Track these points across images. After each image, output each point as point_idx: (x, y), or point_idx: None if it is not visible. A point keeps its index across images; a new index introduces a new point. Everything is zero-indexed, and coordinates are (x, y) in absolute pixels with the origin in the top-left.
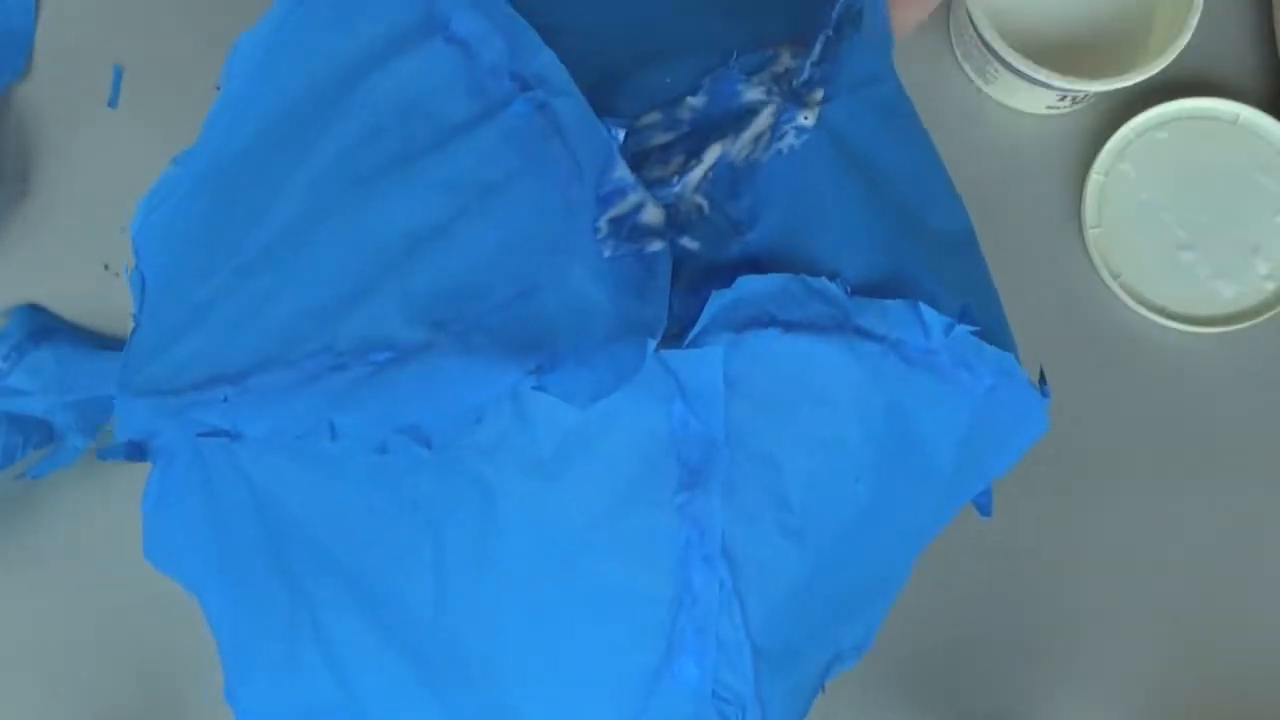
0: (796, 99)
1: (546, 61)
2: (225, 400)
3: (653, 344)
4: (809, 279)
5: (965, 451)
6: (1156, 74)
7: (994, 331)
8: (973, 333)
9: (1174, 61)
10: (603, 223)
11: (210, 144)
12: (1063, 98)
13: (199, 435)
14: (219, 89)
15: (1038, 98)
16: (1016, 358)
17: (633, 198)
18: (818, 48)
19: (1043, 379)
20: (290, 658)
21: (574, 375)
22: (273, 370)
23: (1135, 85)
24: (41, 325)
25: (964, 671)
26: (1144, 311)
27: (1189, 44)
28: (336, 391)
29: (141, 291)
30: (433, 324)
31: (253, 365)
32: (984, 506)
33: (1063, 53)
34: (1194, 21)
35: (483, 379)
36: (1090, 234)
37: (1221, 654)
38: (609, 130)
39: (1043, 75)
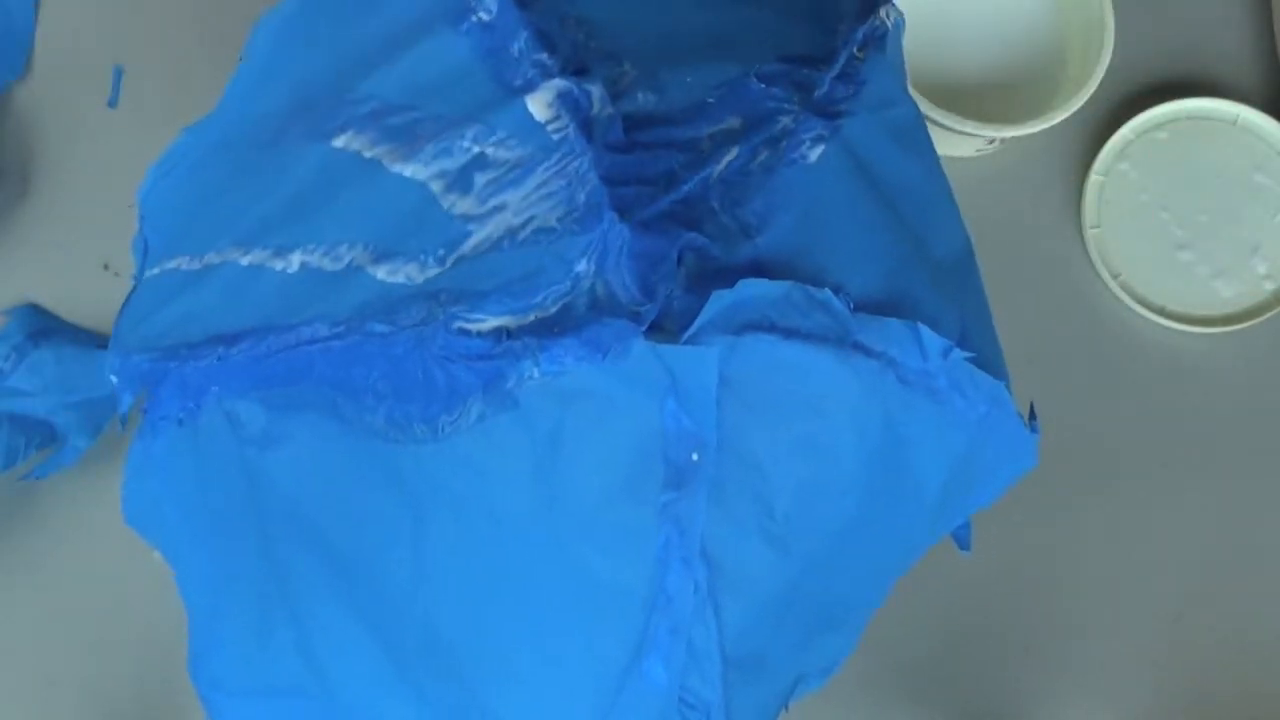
0: (816, 110)
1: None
2: (219, 360)
3: (642, 327)
4: (812, 289)
5: (954, 479)
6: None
7: (989, 360)
8: (969, 358)
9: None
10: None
11: (225, 114)
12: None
13: (191, 395)
14: (241, 60)
15: (952, 142)
16: (1008, 387)
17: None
18: (840, 63)
19: (1033, 414)
20: (262, 632)
21: (561, 344)
22: (270, 335)
23: (1055, 122)
24: (42, 325)
25: (964, 671)
26: (1143, 311)
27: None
28: (333, 359)
29: (144, 256)
30: (433, 299)
31: (250, 328)
32: (963, 540)
33: (977, 98)
34: (1105, 61)
35: (477, 352)
36: (1090, 234)
37: (1221, 653)
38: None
39: (951, 121)
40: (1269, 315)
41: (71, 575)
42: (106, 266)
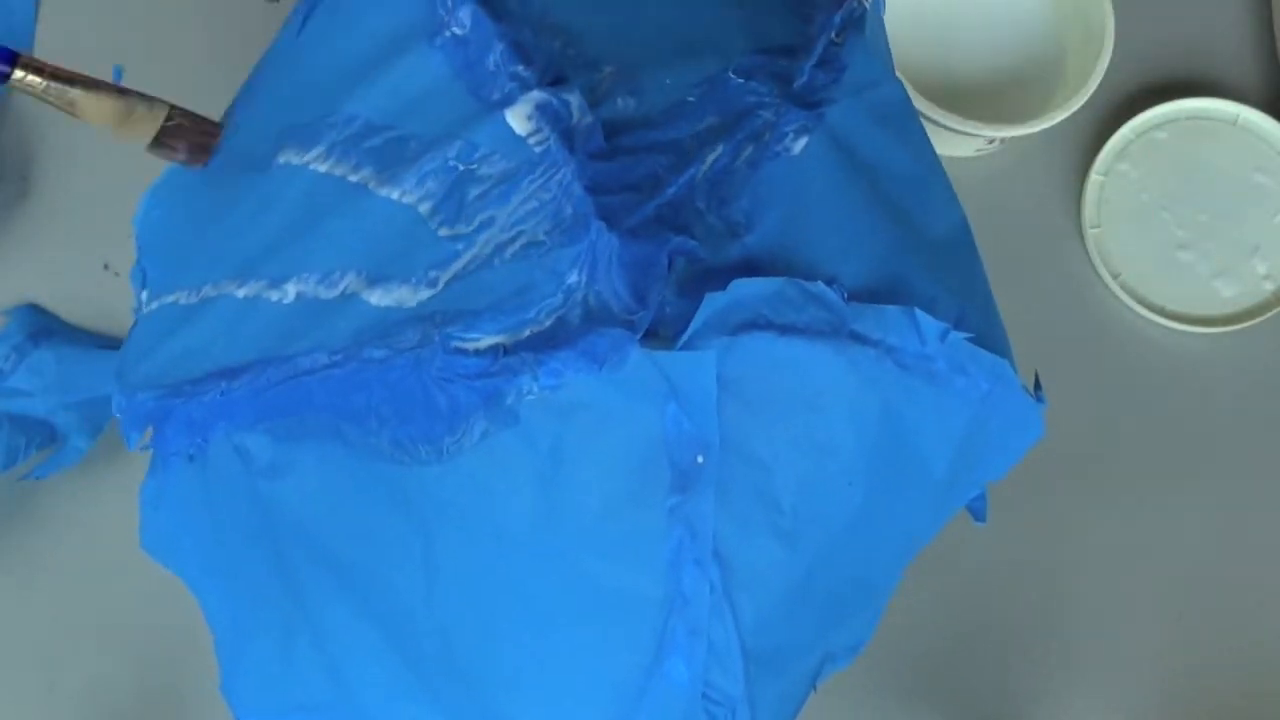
0: (797, 101)
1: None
2: (222, 395)
3: (637, 335)
4: (805, 283)
5: (960, 457)
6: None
7: (989, 336)
8: (968, 339)
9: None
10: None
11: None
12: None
13: (197, 430)
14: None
15: (952, 142)
16: (1011, 363)
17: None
18: (819, 50)
19: (1038, 385)
20: (285, 652)
21: (558, 357)
22: (269, 367)
23: (1057, 121)
24: (42, 325)
25: (964, 671)
26: (1144, 311)
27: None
28: (333, 387)
29: (143, 287)
30: (427, 321)
31: (250, 362)
32: (979, 512)
33: (977, 98)
34: (1105, 61)
35: (474, 371)
36: (1090, 234)
37: (1221, 653)
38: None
39: (951, 121)
40: (1269, 315)
41: (71, 575)
42: (106, 266)
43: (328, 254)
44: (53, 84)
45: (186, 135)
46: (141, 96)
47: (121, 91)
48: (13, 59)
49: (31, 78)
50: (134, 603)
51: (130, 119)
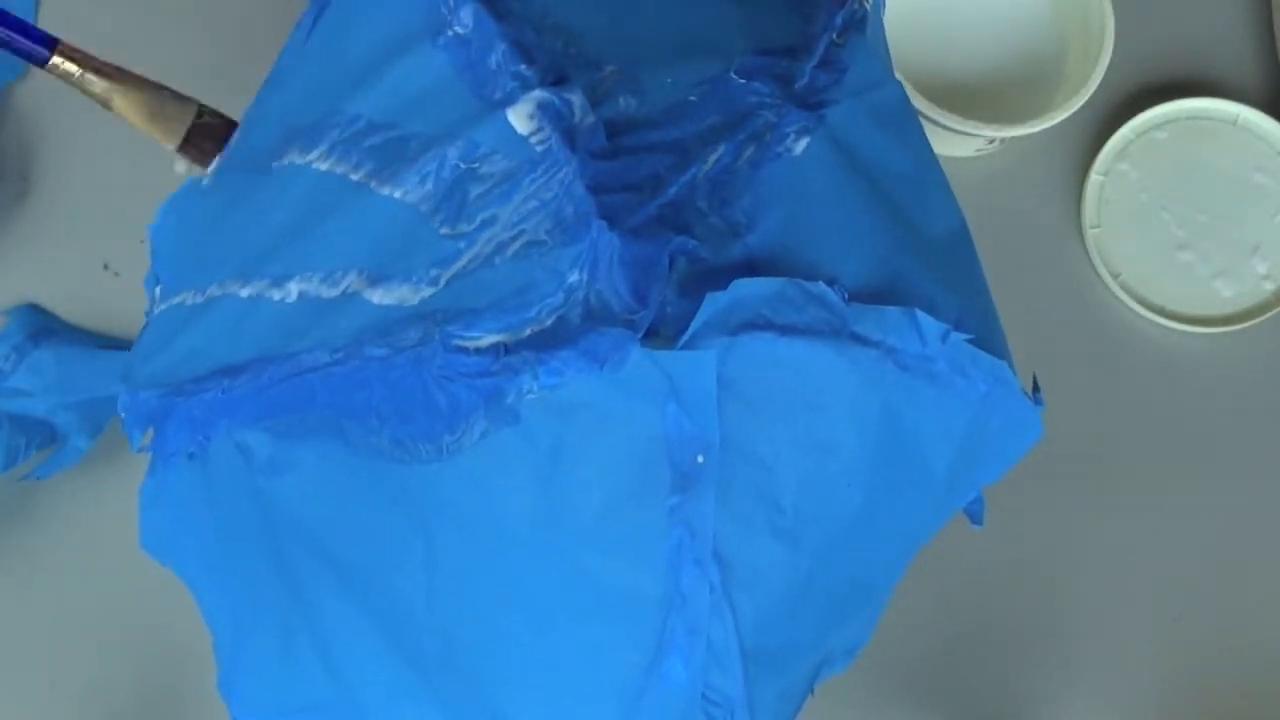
0: (799, 102)
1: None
2: (224, 393)
3: (638, 334)
4: (806, 284)
5: (960, 457)
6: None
7: (988, 338)
8: (967, 340)
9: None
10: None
11: (231, 147)
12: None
13: (199, 428)
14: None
15: (952, 142)
16: (1010, 364)
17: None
18: (820, 51)
19: (1036, 387)
20: (285, 650)
21: (558, 356)
22: (271, 365)
23: (1061, 118)
24: (42, 325)
25: (964, 671)
26: (1143, 311)
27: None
28: (334, 385)
29: (155, 291)
30: (428, 319)
31: (251, 360)
32: (976, 515)
33: (977, 98)
34: (1105, 61)
35: (475, 370)
36: (1090, 234)
37: (1221, 654)
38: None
39: (951, 121)
40: (1269, 315)
41: (71, 575)
42: (106, 266)
43: (330, 253)
44: (87, 74)
45: (216, 135)
46: (173, 94)
47: (155, 87)
48: (53, 45)
49: (69, 65)
50: (134, 603)
51: (161, 115)
